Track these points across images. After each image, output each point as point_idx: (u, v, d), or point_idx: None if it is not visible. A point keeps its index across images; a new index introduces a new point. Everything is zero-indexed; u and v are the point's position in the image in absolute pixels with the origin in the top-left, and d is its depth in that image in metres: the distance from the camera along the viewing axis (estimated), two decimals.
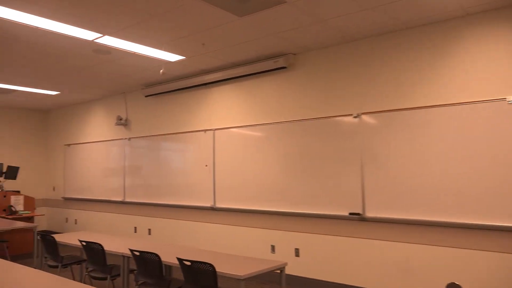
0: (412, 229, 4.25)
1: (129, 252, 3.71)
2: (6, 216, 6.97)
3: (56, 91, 7.47)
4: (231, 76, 5.79)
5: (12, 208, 7.07)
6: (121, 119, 7.53)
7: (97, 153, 8.21)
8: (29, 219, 7.35)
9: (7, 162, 8.93)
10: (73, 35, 4.47)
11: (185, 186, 6.44)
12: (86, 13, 3.89)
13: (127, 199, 7.39)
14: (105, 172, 7.96)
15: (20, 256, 6.99)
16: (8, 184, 8.79)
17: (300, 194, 5.07)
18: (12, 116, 9.15)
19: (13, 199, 7.29)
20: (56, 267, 4.50)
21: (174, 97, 6.80)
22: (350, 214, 4.65)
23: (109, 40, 4.65)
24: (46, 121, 9.75)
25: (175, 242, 6.61)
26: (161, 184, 6.84)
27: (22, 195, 7.42)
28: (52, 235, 4.59)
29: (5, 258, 6.71)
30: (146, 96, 7.16)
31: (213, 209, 6.03)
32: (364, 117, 4.63)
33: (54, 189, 9.36)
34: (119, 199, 7.55)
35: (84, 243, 4.06)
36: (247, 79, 5.79)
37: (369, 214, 4.52)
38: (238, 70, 5.65)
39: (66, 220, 8.94)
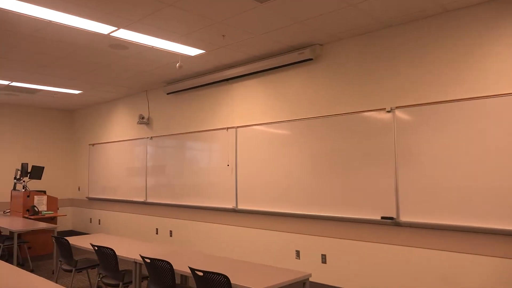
0: (453, 236, 3.79)
1: (140, 258, 3.45)
2: (29, 217, 6.92)
3: (78, 90, 7.38)
4: (254, 71, 5.47)
5: (35, 208, 7.02)
6: (143, 118, 7.36)
7: (120, 152, 8.08)
8: (52, 219, 7.29)
9: (34, 162, 8.96)
10: (88, 29, 4.27)
11: (207, 186, 6.17)
12: (99, 5, 3.67)
13: (149, 200, 7.20)
14: (127, 172, 7.82)
15: (41, 258, 6.92)
16: (34, 184, 8.81)
17: (328, 196, 4.69)
18: (39, 116, 9.18)
19: (36, 199, 7.25)
20: (70, 271, 4.32)
21: (195, 94, 6.55)
22: (382, 218, 4.23)
23: (124, 34, 4.43)
24: (72, 121, 9.75)
25: (196, 246, 6.35)
26: (182, 184, 6.61)
27: (45, 195, 7.38)
28: (67, 237, 4.41)
29: (25, 259, 6.67)
30: (167, 94, 6.94)
31: (235, 211, 5.73)
32: (398, 112, 4.20)
33: (79, 189, 9.33)
34: (141, 199, 7.38)
35: (95, 248, 3.84)
36: (270, 73, 5.46)
37: (404, 218, 4.09)
38: (261, 64, 5.32)
39: (90, 220, 8.88)
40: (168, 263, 3.10)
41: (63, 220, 9.41)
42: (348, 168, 4.54)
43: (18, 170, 7.62)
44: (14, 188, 7.65)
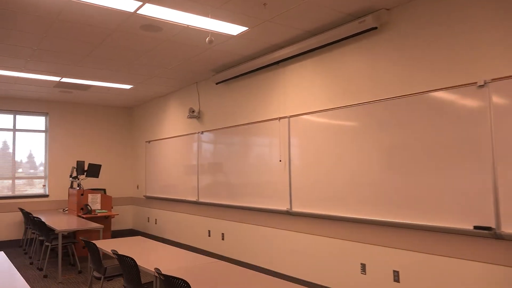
0: None
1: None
2: (82, 215, 6.76)
3: (129, 84, 7.10)
4: (306, 49, 4.64)
5: (88, 207, 6.85)
6: (193, 111, 6.86)
7: (173, 149, 7.70)
8: (106, 218, 7.09)
9: (93, 161, 8.95)
10: (110, 6, 3.77)
11: (258, 185, 5.47)
12: None
13: (201, 199, 6.68)
14: (180, 169, 7.39)
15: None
16: (92, 182, 8.78)
17: (402, 198, 3.72)
18: (99, 113, 9.17)
19: (90, 197, 7.09)
20: (100, 278, 3.87)
21: (244, 83, 5.88)
22: (476, 228, 3.19)
23: (152, 10, 3.87)
24: (130, 118, 9.64)
25: (247, 252, 5.68)
26: (233, 182, 5.97)
27: (99, 193, 7.20)
28: (95, 241, 3.97)
29: (69, 259, 6.49)
30: (216, 84, 6.36)
31: (289, 213, 4.95)
32: (493, 86, 3.13)
33: (138, 187, 9.16)
34: (193, 199, 6.89)
35: (116, 256, 3.31)
36: (326, 51, 4.59)
37: (506, 229, 3.02)
38: (314, 41, 4.48)
39: (148, 219, 8.64)
40: (185, 282, 2.43)
41: (124, 218, 9.32)
42: (429, 164, 3.54)
43: (74, 168, 7.55)
44: (71, 186, 7.59)
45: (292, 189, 4.89)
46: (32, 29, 4.36)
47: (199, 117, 6.91)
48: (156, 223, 8.27)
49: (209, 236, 6.55)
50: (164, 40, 4.75)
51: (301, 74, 4.92)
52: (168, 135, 7.93)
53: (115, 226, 9.16)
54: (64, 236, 6.20)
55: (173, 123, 7.80)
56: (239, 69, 5.62)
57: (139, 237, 4.66)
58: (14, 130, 8.22)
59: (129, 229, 9.36)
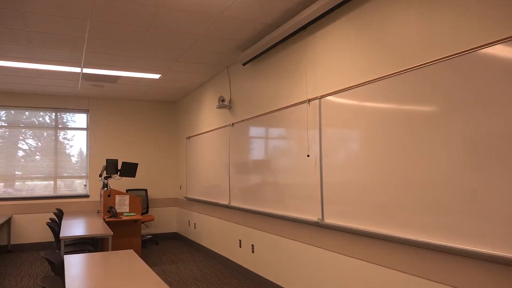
0: None
1: None
2: (107, 219, 6.15)
3: (157, 73, 6.36)
4: (338, 2, 3.39)
5: (113, 209, 6.23)
6: (223, 100, 5.89)
7: (207, 145, 6.81)
8: (135, 222, 6.42)
9: (135, 159, 8.45)
10: None
11: (286, 187, 4.31)
12: None
13: (232, 203, 5.68)
14: (214, 168, 6.48)
15: None
16: (132, 183, 8.27)
17: (496, 214, 2.34)
18: (140, 109, 8.65)
19: (118, 199, 6.48)
20: None
21: (269, 61, 4.74)
22: None
23: None
24: (174, 113, 8.99)
25: (275, 269, 4.54)
26: (260, 184, 4.88)
27: (127, 194, 6.56)
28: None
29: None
30: (244, 65, 5.30)
31: (319, 225, 3.72)
32: None
33: (180, 187, 8.47)
34: (225, 202, 5.92)
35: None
36: (362, 3, 3.29)
37: None
38: None
39: (188, 223, 7.88)
40: None
41: (168, 221, 8.69)
42: None
43: (105, 167, 7.02)
44: (103, 187, 7.09)
45: (325, 194, 3.65)
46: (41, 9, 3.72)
47: (230, 107, 5.92)
48: (195, 228, 7.47)
49: (240, 246, 5.52)
50: (171, 8, 3.83)
51: (333, 39, 3.66)
52: (203, 129, 7.08)
53: (159, 229, 8.56)
54: (77, 243, 5.64)
55: (207, 115, 6.92)
56: (264, 42, 4.51)
57: (130, 251, 3.77)
58: (56, 128, 7.99)
59: (174, 233, 8.70)
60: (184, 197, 8.04)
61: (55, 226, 5.23)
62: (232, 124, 5.73)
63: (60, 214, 6.69)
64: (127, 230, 6.37)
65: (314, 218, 3.78)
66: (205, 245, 6.90)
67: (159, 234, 8.54)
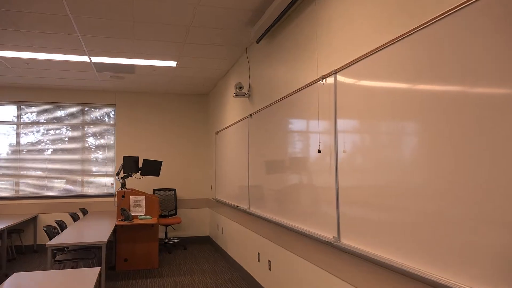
0: None
1: None
2: (119, 222, 5.57)
3: (172, 59, 5.66)
4: None
5: (125, 212, 5.65)
6: (240, 87, 5.03)
7: (230, 140, 6.00)
8: (152, 226, 5.80)
9: (164, 157, 7.88)
10: None
11: (292, 192, 3.34)
12: None
13: (252, 209, 4.81)
14: (235, 166, 5.64)
15: (141, 274, 5.43)
16: (160, 182, 7.70)
17: None
18: (169, 103, 8.06)
19: (132, 200, 5.90)
20: None
21: (282, 34, 3.77)
22: None
23: None
24: (204, 106, 8.30)
25: None
26: (273, 186, 3.94)
27: (143, 195, 5.95)
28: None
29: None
30: (257, 42, 4.38)
31: (333, 246, 2.72)
32: None
33: (211, 187, 7.76)
34: (245, 206, 5.06)
35: None
36: None
37: None
38: None
39: (217, 227, 7.14)
40: None
41: (201, 224, 8.02)
42: None
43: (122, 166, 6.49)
44: (121, 186, 6.55)
45: (341, 204, 2.64)
46: None
47: (249, 95, 5.04)
48: (222, 233, 6.71)
49: (258, 260, 4.63)
50: None
51: None
52: (227, 122, 6.28)
53: (189, 232, 7.93)
54: (81, 249, 5.12)
55: (230, 106, 6.11)
56: (272, 10, 3.57)
57: (96, 270, 3.04)
58: (84, 123, 7.65)
59: (206, 237, 8.02)
60: (213, 199, 7.31)
61: (52, 231, 4.71)
62: (251, 115, 4.84)
63: (75, 216, 6.26)
64: (143, 235, 5.76)
65: (328, 235, 2.79)
66: (229, 253, 6.10)
67: (189, 238, 7.90)
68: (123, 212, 5.64)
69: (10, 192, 7.24)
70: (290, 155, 3.48)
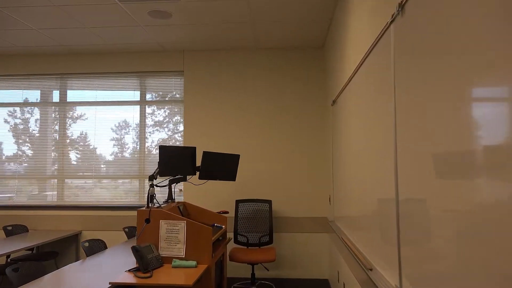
0: None
1: None
2: (128, 271, 2.86)
3: None
4: None
5: (140, 252, 2.89)
6: None
7: (353, 102, 2.76)
8: (198, 281, 2.94)
9: (252, 150, 5.02)
10: None
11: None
12: None
13: (406, 273, 1.54)
14: (364, 158, 2.40)
15: None
16: (242, 189, 4.88)
17: None
18: (265, 61, 5.16)
19: (164, 227, 3.11)
20: None
21: None
22: None
23: None
24: (316, 67, 5.14)
25: None
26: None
27: (184, 220, 3.10)
28: None
29: None
30: None
31: None
32: None
33: (329, 200, 4.58)
34: (386, 261, 1.80)
35: None
36: None
37: None
38: None
39: (337, 274, 3.92)
40: None
41: (313, 259, 4.91)
42: None
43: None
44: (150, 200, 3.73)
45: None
46: None
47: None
48: (338, 281, 3.49)
49: None
50: None
51: None
52: (350, 67, 3.07)
53: (295, 273, 4.88)
54: None
55: (358, 31, 2.89)
56: None
57: None
58: (143, 101, 5.31)
59: (324, 281, 4.86)
60: (329, 222, 4.15)
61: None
62: (401, 5, 1.57)
63: (131, 231, 3.79)
64: None
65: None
66: None
67: (292, 281, 4.85)
68: (137, 253, 2.88)
69: (50, 199, 5.28)
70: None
